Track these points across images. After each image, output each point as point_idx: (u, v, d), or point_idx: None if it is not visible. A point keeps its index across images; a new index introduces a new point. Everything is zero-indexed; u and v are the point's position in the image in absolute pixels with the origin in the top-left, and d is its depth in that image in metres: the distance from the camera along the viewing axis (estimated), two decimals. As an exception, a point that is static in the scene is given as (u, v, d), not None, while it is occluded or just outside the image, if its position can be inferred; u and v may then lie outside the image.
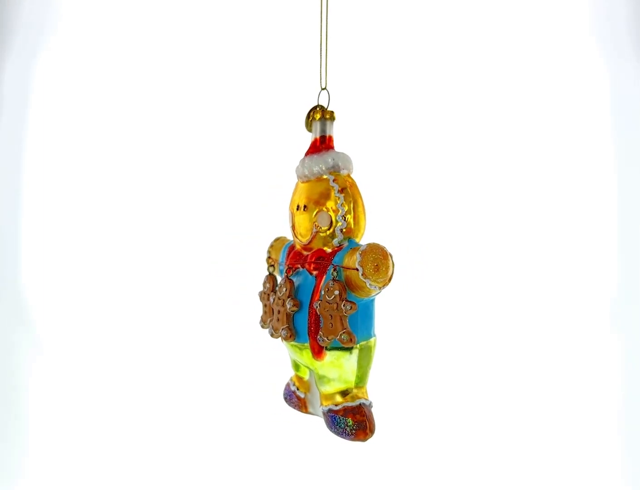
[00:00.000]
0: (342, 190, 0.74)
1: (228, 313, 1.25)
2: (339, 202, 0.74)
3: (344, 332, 0.70)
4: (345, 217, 0.74)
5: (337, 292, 0.70)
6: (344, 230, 0.74)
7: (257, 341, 0.99)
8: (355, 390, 0.74)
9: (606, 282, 1.28)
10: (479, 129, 1.27)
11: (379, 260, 0.68)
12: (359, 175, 0.82)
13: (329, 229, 0.74)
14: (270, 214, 0.95)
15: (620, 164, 1.28)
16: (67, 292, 1.34)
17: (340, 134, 0.81)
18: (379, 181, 1.22)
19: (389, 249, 0.70)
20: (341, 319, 0.70)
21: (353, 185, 0.76)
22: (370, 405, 0.74)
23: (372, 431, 0.72)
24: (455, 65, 1.26)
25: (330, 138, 0.78)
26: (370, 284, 0.68)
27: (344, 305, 0.70)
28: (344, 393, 0.73)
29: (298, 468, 1.26)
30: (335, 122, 0.78)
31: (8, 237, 1.36)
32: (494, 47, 1.26)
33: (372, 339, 0.74)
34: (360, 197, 0.75)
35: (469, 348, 1.26)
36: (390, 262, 0.69)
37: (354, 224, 0.74)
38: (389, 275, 0.69)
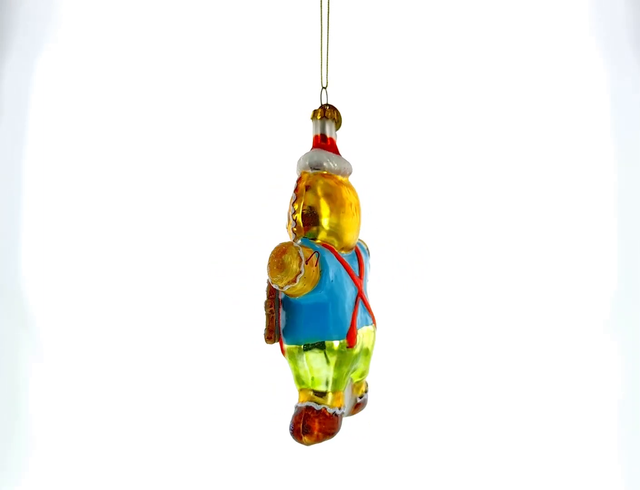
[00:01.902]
0: (296, 189, 0.74)
1: (228, 313, 1.24)
2: (292, 201, 0.74)
3: (265, 329, 0.71)
4: (294, 217, 0.73)
5: (265, 290, 0.71)
6: (294, 229, 0.73)
7: (257, 341, 0.98)
8: (318, 396, 0.72)
9: (606, 282, 1.28)
10: (479, 129, 1.27)
11: (271, 259, 0.68)
12: (359, 175, 0.82)
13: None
14: (271, 214, 0.94)
15: (620, 165, 1.28)
16: (68, 293, 1.34)
17: (340, 133, 0.81)
18: (379, 181, 1.22)
19: (292, 248, 0.68)
20: (267, 316, 0.71)
21: (315, 184, 0.73)
22: (322, 412, 0.71)
23: (310, 437, 0.70)
24: (456, 65, 1.26)
25: (322, 137, 0.77)
26: (271, 282, 0.68)
27: (264, 303, 0.71)
28: (310, 392, 0.73)
29: (297, 468, 1.26)
30: (333, 122, 0.78)
31: (8, 237, 1.35)
32: (494, 47, 1.26)
33: (323, 342, 0.71)
34: (323, 196, 0.73)
35: (469, 348, 1.26)
36: (282, 261, 0.67)
37: (304, 223, 0.73)
38: (283, 275, 0.67)
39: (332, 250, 0.72)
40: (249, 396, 1.25)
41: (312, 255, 0.69)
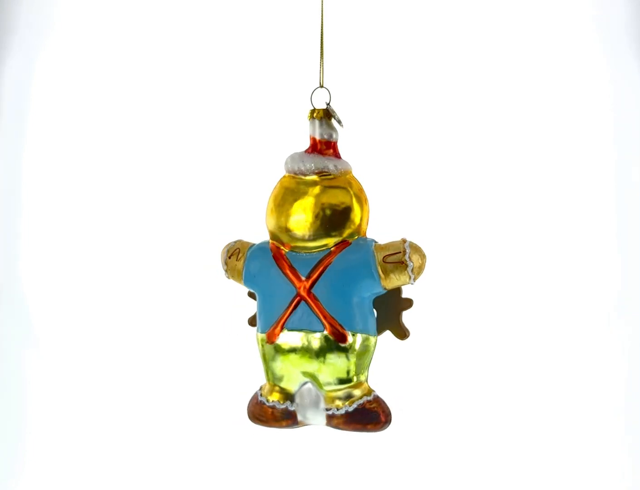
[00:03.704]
0: None
1: (227, 311, 1.24)
2: None
3: None
4: None
5: None
6: None
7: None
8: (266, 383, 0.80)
9: (609, 278, 1.28)
10: (478, 128, 1.26)
11: None
12: (358, 174, 0.82)
13: None
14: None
15: (621, 164, 1.27)
16: (64, 284, 1.35)
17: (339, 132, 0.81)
18: (378, 178, 1.22)
19: (225, 245, 0.81)
20: None
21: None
22: (255, 396, 0.80)
23: (248, 416, 0.80)
24: (455, 65, 1.25)
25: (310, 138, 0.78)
26: None
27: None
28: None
29: (298, 469, 1.26)
30: (317, 121, 0.77)
31: (8, 236, 1.36)
32: (493, 47, 1.26)
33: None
34: (270, 197, 0.78)
35: (470, 345, 1.26)
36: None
37: None
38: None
39: (273, 248, 0.76)
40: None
41: (235, 250, 0.79)
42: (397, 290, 0.76)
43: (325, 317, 0.73)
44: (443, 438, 1.26)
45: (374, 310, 0.76)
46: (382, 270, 0.72)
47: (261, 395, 0.78)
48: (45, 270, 1.36)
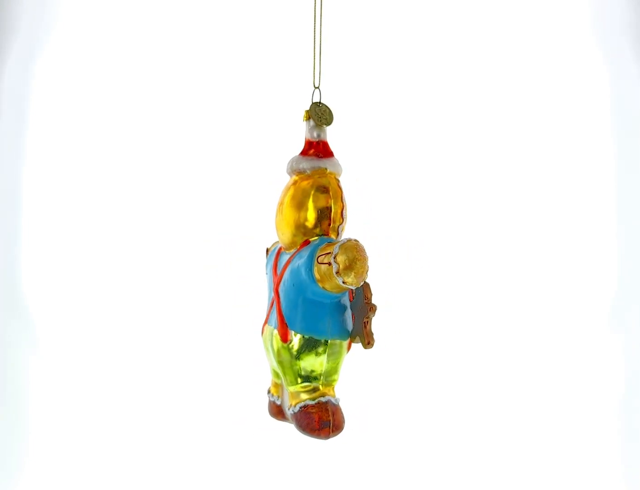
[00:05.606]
0: None
1: (228, 304, 1.25)
2: None
3: None
4: None
5: None
6: None
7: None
8: None
9: (606, 282, 1.27)
10: (477, 129, 1.26)
11: None
12: (357, 172, 0.82)
13: None
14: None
15: (620, 164, 1.27)
16: (64, 286, 1.35)
17: (336, 131, 0.81)
18: (377, 178, 1.22)
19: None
20: None
21: None
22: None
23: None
24: (453, 65, 1.25)
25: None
26: None
27: None
28: None
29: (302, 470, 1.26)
30: (310, 121, 0.77)
31: (8, 236, 1.36)
32: (492, 47, 1.26)
33: None
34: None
35: (469, 345, 1.26)
36: None
37: None
38: None
39: (278, 249, 0.78)
40: (250, 396, 1.25)
41: (266, 251, 0.82)
42: (361, 295, 0.71)
43: (279, 316, 0.72)
44: (442, 439, 1.26)
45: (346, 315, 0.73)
46: (317, 271, 0.68)
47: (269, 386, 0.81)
48: (45, 273, 1.36)
